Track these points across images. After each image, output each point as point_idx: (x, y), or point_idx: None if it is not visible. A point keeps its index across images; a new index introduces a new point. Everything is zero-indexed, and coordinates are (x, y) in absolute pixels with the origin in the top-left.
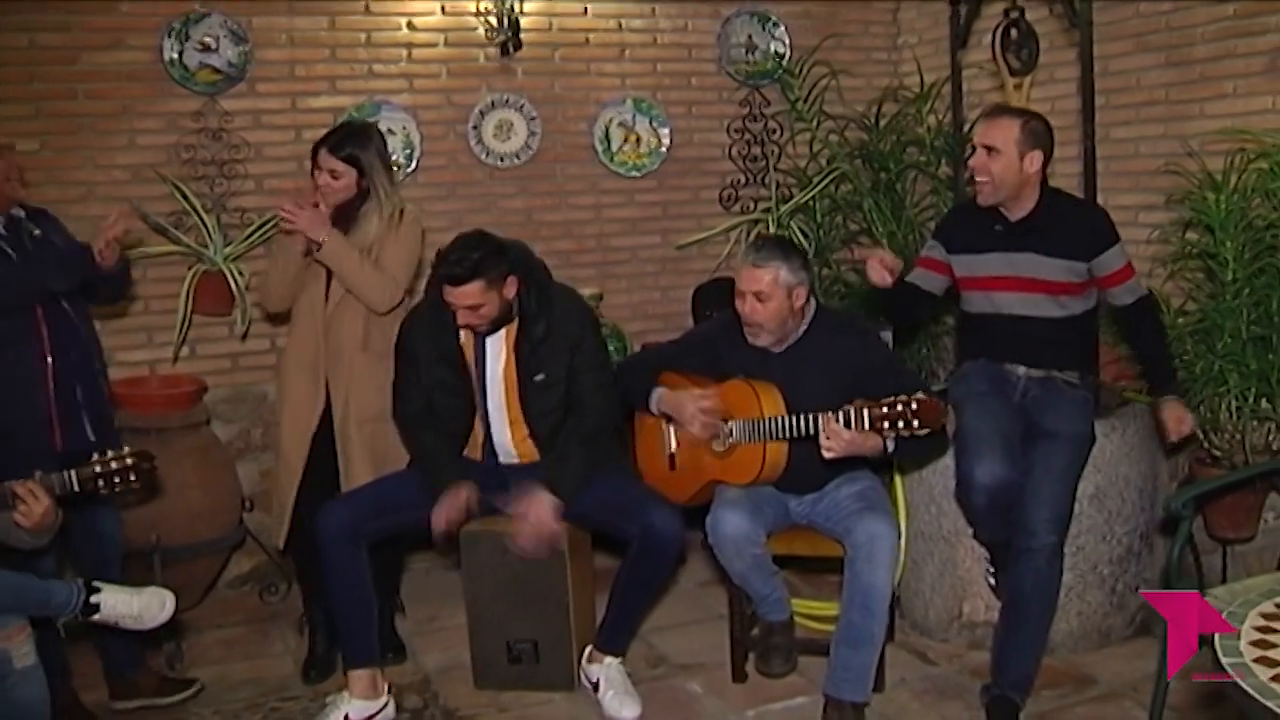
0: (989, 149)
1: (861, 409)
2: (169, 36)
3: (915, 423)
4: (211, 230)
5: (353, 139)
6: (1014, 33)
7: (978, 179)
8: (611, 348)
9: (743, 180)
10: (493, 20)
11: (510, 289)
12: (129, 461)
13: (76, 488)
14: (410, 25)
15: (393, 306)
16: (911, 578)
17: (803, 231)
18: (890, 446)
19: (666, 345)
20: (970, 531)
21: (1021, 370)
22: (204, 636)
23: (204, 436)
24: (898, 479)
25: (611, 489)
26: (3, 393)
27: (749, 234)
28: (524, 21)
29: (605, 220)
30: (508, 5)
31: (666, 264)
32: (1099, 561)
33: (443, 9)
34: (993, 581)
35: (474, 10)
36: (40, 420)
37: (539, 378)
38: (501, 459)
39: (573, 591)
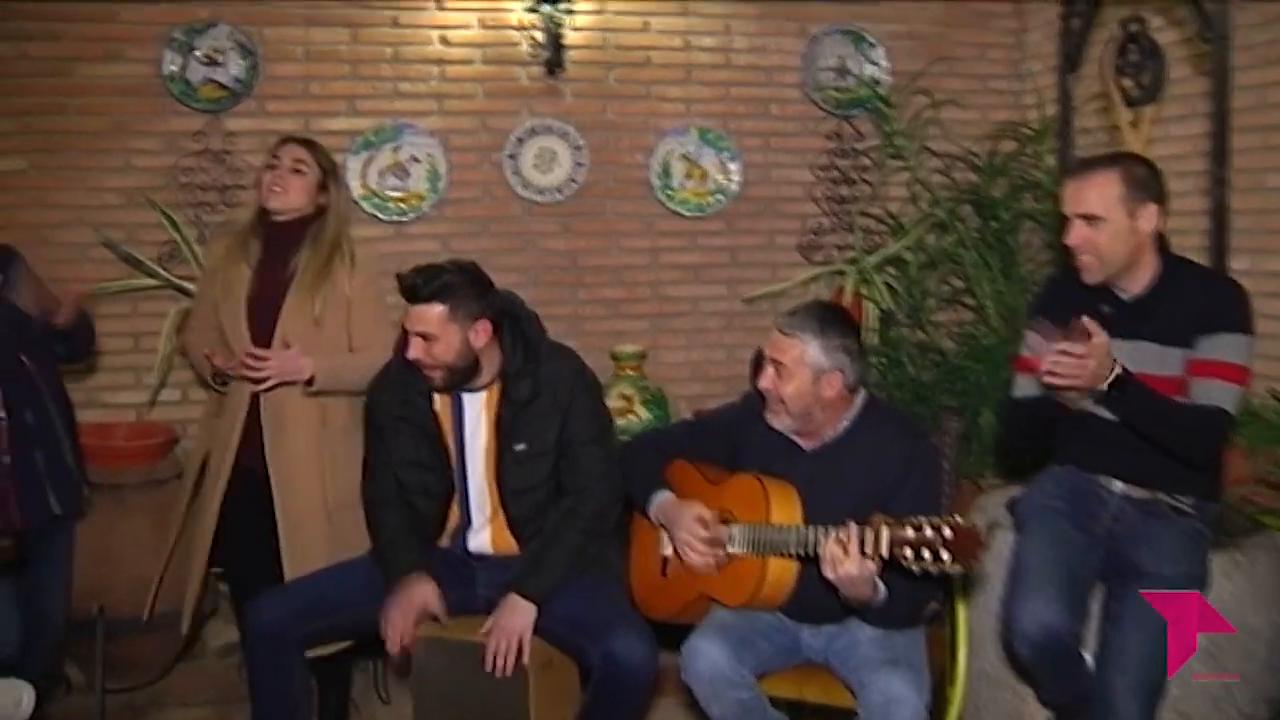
0: (1087, 218)
1: (879, 527)
2: (170, 48)
3: (945, 555)
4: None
5: (324, 149)
6: (1133, 51)
7: (1080, 258)
8: (651, 415)
9: (826, 225)
10: (537, 35)
11: (479, 336)
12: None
13: None
14: (443, 40)
15: None
16: None
17: (891, 288)
18: (881, 592)
19: (680, 426)
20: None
21: (1118, 487)
22: (161, 716)
23: (168, 494)
24: (960, 605)
25: (581, 600)
26: None
27: (830, 287)
28: (574, 37)
29: (662, 266)
30: (555, 19)
31: (732, 319)
32: None
33: (480, 22)
34: None
35: (516, 24)
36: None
37: (519, 447)
38: (472, 547)
39: (536, 717)
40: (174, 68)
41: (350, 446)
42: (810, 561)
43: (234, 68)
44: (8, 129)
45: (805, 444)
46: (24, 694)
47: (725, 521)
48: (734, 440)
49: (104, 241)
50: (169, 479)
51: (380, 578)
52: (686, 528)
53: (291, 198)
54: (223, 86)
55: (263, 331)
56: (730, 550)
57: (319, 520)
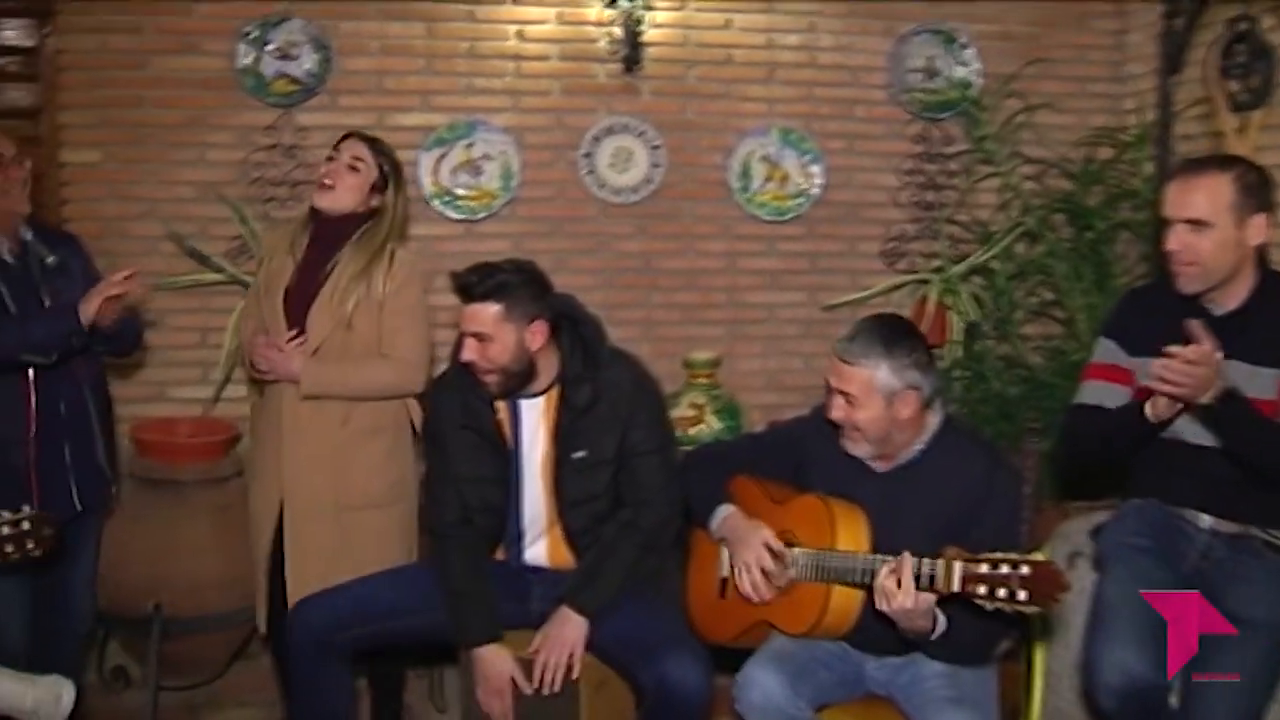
0: (1193, 223)
1: (953, 562)
2: (244, 42)
3: (1023, 594)
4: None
5: (388, 148)
6: (1240, 51)
7: (1180, 266)
8: (723, 425)
9: (910, 232)
10: (616, 32)
11: (535, 338)
12: (24, 526)
13: None
14: (520, 35)
15: (421, 389)
16: None
17: (977, 298)
18: (940, 627)
19: (745, 440)
20: None
21: (1205, 521)
22: (218, 716)
23: (228, 493)
24: (1038, 645)
25: (635, 619)
26: None
27: (913, 296)
28: (654, 34)
29: (739, 271)
30: (634, 15)
31: (811, 327)
32: None
33: (558, 18)
34: None
35: (594, 20)
36: (16, 486)
37: (578, 455)
38: (528, 559)
39: None
40: (247, 61)
41: (372, 449)
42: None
43: (307, 62)
44: (86, 121)
45: (878, 465)
46: (64, 691)
47: (787, 544)
48: (801, 457)
49: (170, 235)
50: (230, 476)
51: (432, 587)
52: (755, 550)
53: (340, 196)
54: (295, 81)
55: (297, 320)
56: (792, 575)
57: (327, 522)
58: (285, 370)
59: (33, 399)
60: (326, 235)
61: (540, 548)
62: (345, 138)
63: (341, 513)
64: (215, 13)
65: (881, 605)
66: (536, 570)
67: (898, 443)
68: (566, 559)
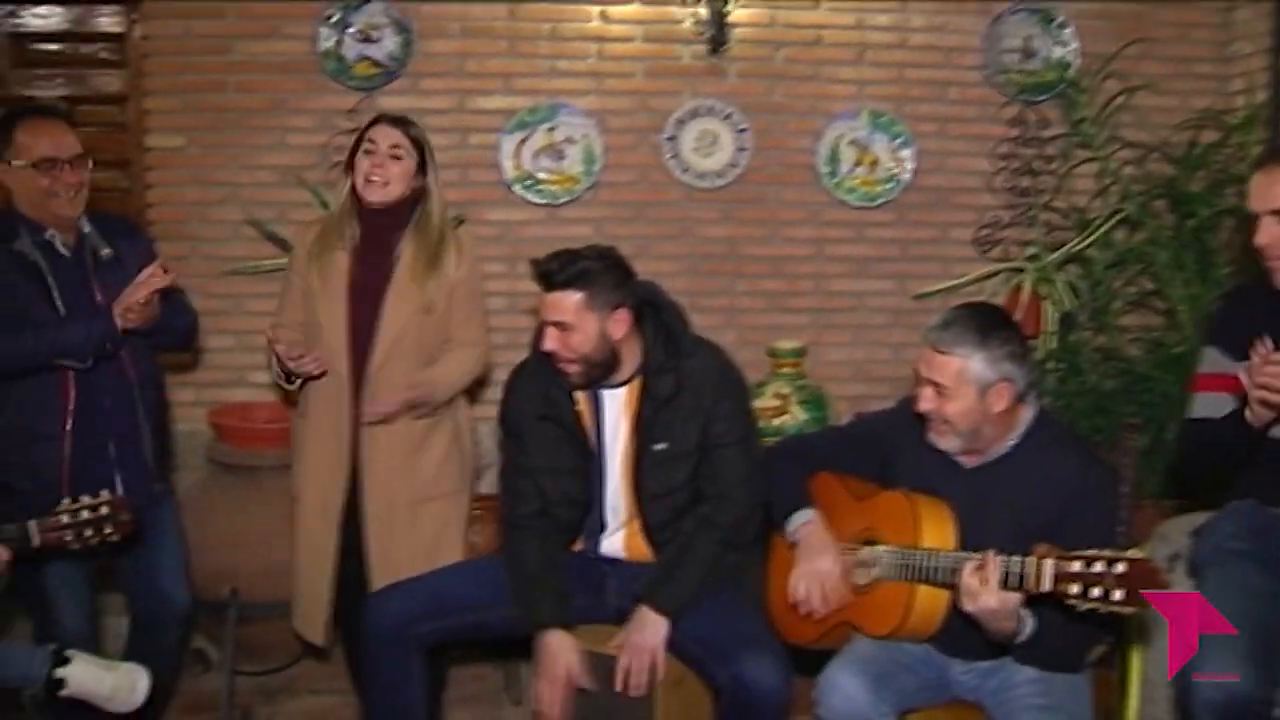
0: None
1: (1044, 559)
2: (326, 25)
3: (1119, 593)
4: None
5: (417, 125)
6: None
7: (1272, 261)
8: (808, 416)
9: (1004, 218)
10: (701, 12)
11: (618, 327)
12: (103, 511)
13: (37, 540)
14: (603, 16)
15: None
16: None
17: (1073, 288)
18: (1028, 629)
19: (828, 434)
20: None
21: None
22: (294, 703)
23: None
24: (1134, 651)
25: (713, 618)
26: (18, 448)
27: (1007, 284)
28: (740, 14)
29: (826, 258)
30: None
31: (900, 316)
32: None
33: None
34: None
35: (678, 1)
36: (49, 482)
37: (659, 447)
38: (604, 551)
39: None
40: (329, 45)
41: (437, 436)
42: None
43: (388, 44)
44: (170, 106)
45: (966, 461)
46: (139, 680)
47: (870, 543)
48: (886, 452)
49: (249, 220)
50: None
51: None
52: (828, 558)
53: (392, 188)
54: (376, 64)
55: (363, 320)
56: (875, 575)
57: (404, 515)
58: (397, 404)
59: (71, 394)
60: (381, 225)
61: (618, 540)
62: (373, 125)
63: (416, 505)
64: None
65: (966, 605)
66: (613, 561)
67: (988, 437)
68: (644, 552)
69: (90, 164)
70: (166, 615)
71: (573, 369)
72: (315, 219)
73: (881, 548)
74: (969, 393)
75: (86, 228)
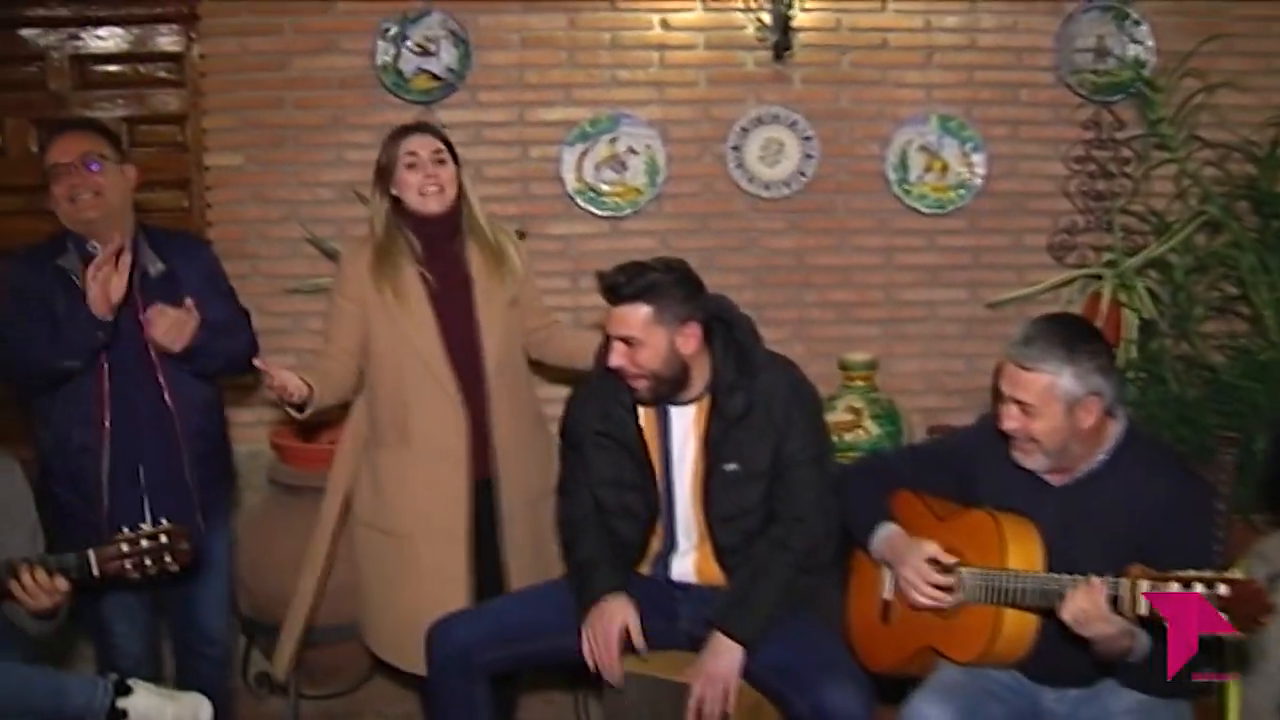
0: None
1: (1139, 581)
2: (383, 39)
3: (1220, 617)
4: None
5: (441, 128)
6: None
7: None
8: (881, 430)
9: (1080, 223)
10: (764, 17)
11: (688, 342)
12: (163, 540)
13: (97, 570)
14: (664, 24)
15: None
16: None
17: (1153, 294)
18: (1143, 642)
19: (905, 452)
20: None
21: None
22: None
23: None
24: (1232, 685)
25: (790, 644)
26: (61, 457)
27: (1084, 293)
28: (804, 18)
29: (896, 267)
30: (784, 0)
31: (974, 325)
32: None
33: (704, 4)
34: None
35: (741, 5)
36: (88, 495)
37: (730, 467)
38: (675, 575)
39: None
40: (387, 58)
41: (542, 436)
42: (1053, 614)
43: (446, 57)
44: (228, 124)
45: (1054, 479)
46: (201, 708)
47: (956, 563)
48: (967, 471)
49: (308, 238)
50: None
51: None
52: (915, 567)
53: (449, 191)
54: (435, 77)
55: (457, 331)
56: (960, 598)
57: (526, 515)
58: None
59: (107, 410)
60: (438, 234)
61: (688, 563)
62: (403, 138)
63: (534, 503)
64: (354, 10)
65: (1079, 630)
66: (684, 587)
67: (1075, 454)
68: (716, 575)
69: (104, 164)
70: (203, 647)
71: (640, 384)
72: (359, 241)
73: (965, 570)
74: (1056, 410)
75: (138, 244)
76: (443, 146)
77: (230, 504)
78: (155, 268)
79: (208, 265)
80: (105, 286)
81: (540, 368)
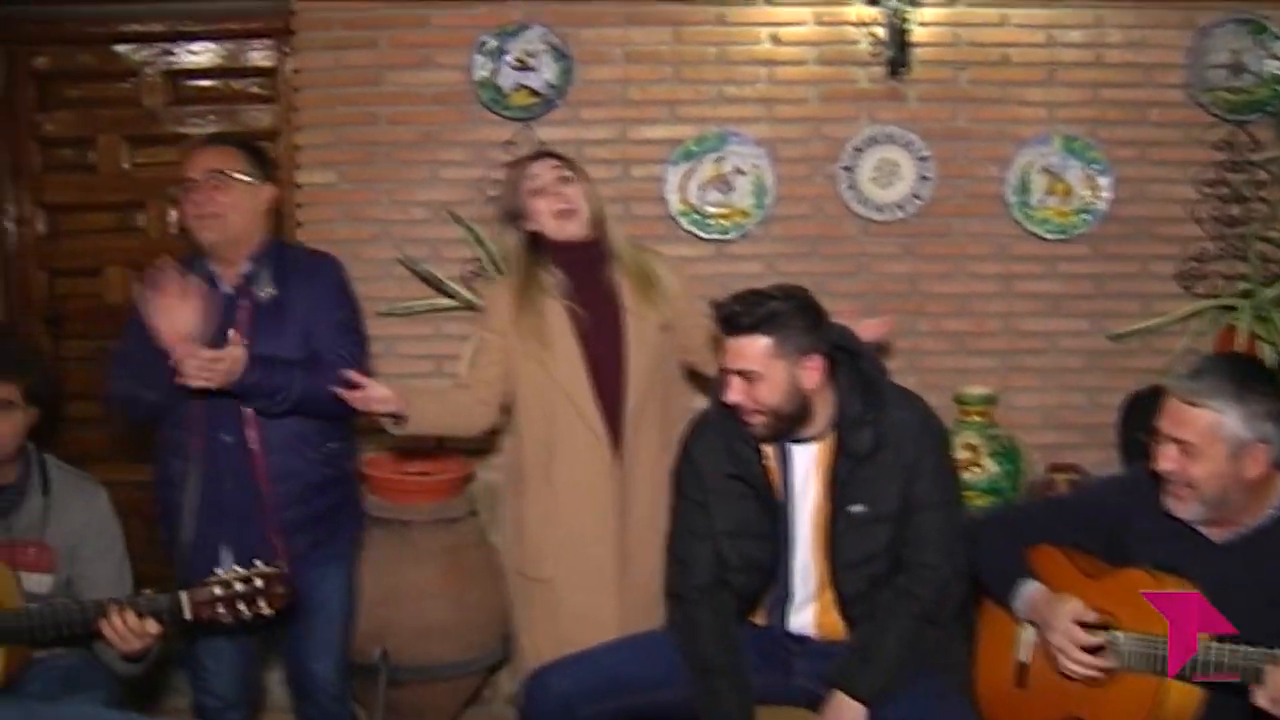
0: None
1: None
2: (481, 53)
3: None
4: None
5: (559, 152)
6: None
7: None
8: (1000, 469)
9: (1212, 250)
10: (879, 32)
11: (810, 376)
12: (257, 584)
13: (189, 614)
14: (774, 39)
15: None
16: None
17: None
18: None
19: (1043, 504)
20: None
21: None
22: None
23: (459, 535)
24: None
25: (915, 703)
26: (161, 488)
27: (1216, 325)
28: (921, 34)
29: (1015, 295)
30: (900, 13)
31: (1096, 358)
32: None
33: (816, 18)
34: None
35: (854, 19)
36: (176, 528)
37: (856, 509)
38: (792, 627)
39: None
40: (484, 73)
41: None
42: (1220, 687)
43: (546, 72)
44: (321, 141)
45: (1214, 534)
46: None
47: (1106, 627)
48: (1115, 525)
49: (401, 259)
50: (461, 517)
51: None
52: (1066, 630)
53: (583, 211)
54: (534, 93)
55: (605, 363)
56: (1113, 665)
57: (654, 555)
58: None
59: (194, 444)
60: (580, 261)
61: (808, 614)
62: (523, 166)
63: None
64: (451, 23)
65: (1262, 702)
66: (801, 639)
67: (1235, 506)
68: (836, 628)
69: (231, 182)
70: (312, 691)
71: (758, 421)
72: (501, 282)
73: (1122, 634)
74: (1219, 453)
75: (248, 267)
76: (563, 166)
77: (351, 544)
78: (265, 294)
79: (321, 292)
80: (169, 316)
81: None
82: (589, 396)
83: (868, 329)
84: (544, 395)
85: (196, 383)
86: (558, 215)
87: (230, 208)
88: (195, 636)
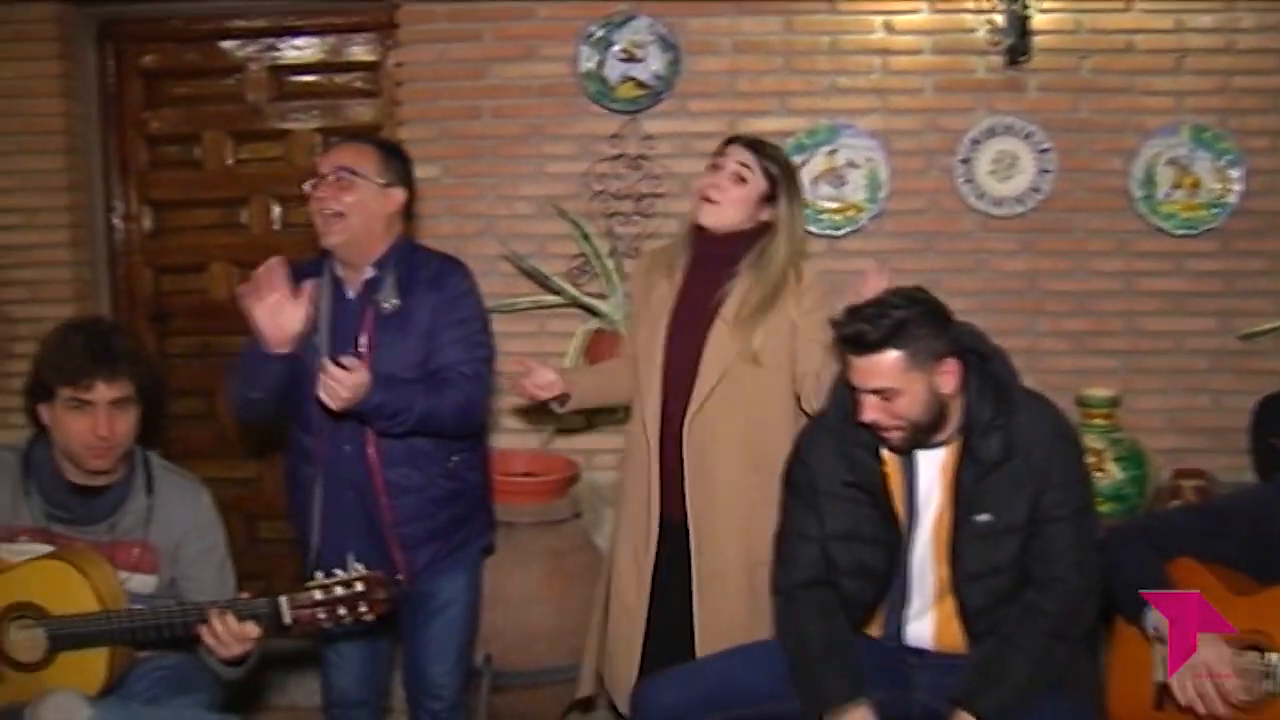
0: None
1: None
2: (587, 44)
3: None
4: (614, 280)
5: (776, 151)
6: None
7: None
8: (1124, 474)
9: None
10: (997, 19)
11: (946, 380)
12: (358, 589)
13: (289, 618)
14: (888, 26)
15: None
16: None
17: None
18: None
19: (1184, 514)
20: None
21: None
22: None
23: (564, 537)
24: None
25: None
26: (290, 489)
27: None
28: (1041, 20)
29: (1137, 293)
30: (1019, 1)
31: (1224, 359)
32: None
33: (931, 5)
34: None
35: (972, 6)
36: (306, 531)
37: (982, 518)
38: (910, 639)
39: None
40: (590, 65)
41: (773, 493)
42: None
43: (654, 63)
44: (425, 135)
45: None
46: None
47: (1259, 649)
48: (1265, 537)
49: (506, 255)
50: (566, 519)
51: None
52: (1214, 659)
53: (725, 211)
54: (641, 84)
55: (681, 358)
56: (1268, 689)
57: (739, 579)
58: None
59: (321, 447)
60: (714, 256)
61: (925, 625)
62: (728, 143)
63: (752, 569)
64: (557, 13)
65: None
66: (919, 652)
67: None
68: (956, 641)
69: (358, 181)
70: (427, 698)
71: (896, 436)
72: (658, 251)
73: (1277, 656)
74: None
75: (372, 273)
76: (755, 166)
77: (476, 551)
78: (390, 304)
79: (445, 303)
80: (275, 316)
81: None
82: (655, 385)
83: (870, 281)
84: (635, 355)
85: (326, 401)
86: (701, 197)
87: (353, 208)
88: (326, 636)
